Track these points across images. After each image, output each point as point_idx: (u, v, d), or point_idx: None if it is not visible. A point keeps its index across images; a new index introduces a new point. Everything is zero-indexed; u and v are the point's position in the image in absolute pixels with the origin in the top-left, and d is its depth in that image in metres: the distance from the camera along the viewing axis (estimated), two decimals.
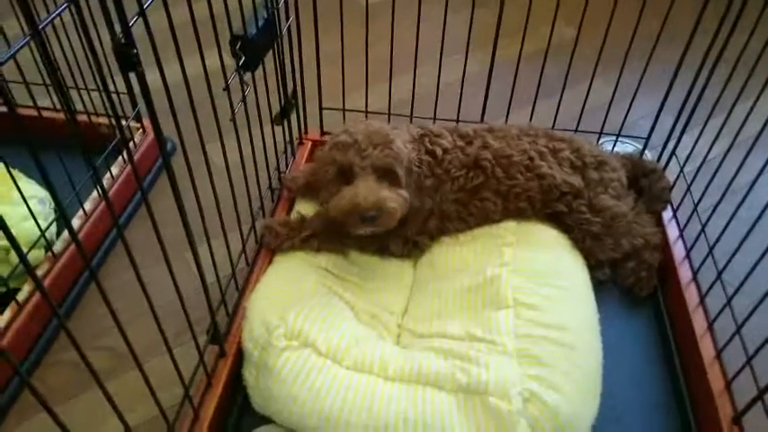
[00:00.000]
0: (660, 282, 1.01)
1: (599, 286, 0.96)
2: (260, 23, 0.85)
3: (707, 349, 0.86)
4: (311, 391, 0.75)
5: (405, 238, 0.98)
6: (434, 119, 1.17)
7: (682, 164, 1.07)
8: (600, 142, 1.21)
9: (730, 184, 0.90)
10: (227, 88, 0.75)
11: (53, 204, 1.06)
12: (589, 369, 0.79)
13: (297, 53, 1.05)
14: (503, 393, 0.72)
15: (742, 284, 0.80)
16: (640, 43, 1.01)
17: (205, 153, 0.71)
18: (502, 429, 0.70)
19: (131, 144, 1.20)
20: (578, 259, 0.97)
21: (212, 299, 0.76)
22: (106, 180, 1.11)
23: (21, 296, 0.91)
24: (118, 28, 0.49)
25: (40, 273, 0.95)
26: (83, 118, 1.15)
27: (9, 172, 0.95)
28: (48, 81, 1.00)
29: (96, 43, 0.62)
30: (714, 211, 0.93)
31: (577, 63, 1.08)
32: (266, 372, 0.78)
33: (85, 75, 1.08)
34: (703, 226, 0.96)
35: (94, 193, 1.08)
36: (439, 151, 0.96)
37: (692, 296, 0.94)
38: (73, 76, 1.09)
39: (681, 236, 1.04)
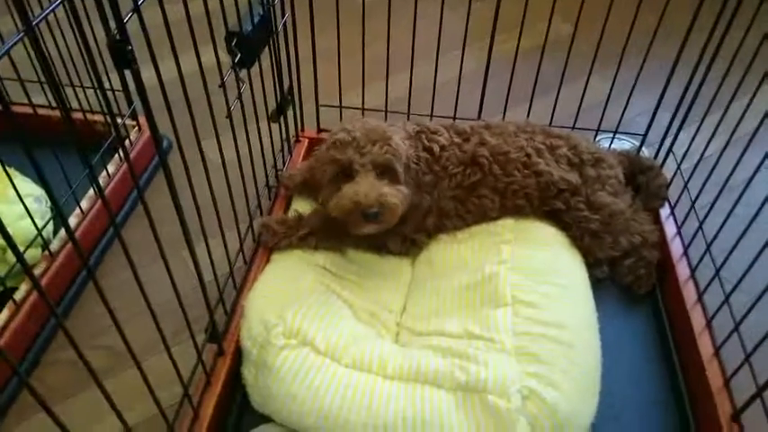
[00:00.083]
0: (658, 279, 1.01)
1: (597, 284, 0.97)
2: (255, 20, 0.84)
3: (705, 346, 0.86)
4: (310, 390, 0.75)
5: (403, 236, 0.97)
6: (431, 116, 1.17)
7: (679, 161, 1.07)
8: (597, 139, 1.21)
9: (727, 180, 0.90)
10: (222, 85, 0.75)
11: (49, 203, 1.05)
12: (588, 367, 0.79)
13: (293, 50, 1.05)
14: (502, 391, 0.72)
15: (740, 281, 0.80)
16: (637, 40, 1.01)
17: (201, 151, 0.71)
18: (501, 427, 0.70)
19: (127, 142, 1.19)
20: (577, 257, 0.97)
21: (210, 297, 0.76)
22: (102, 178, 1.11)
23: (18, 295, 0.91)
24: (112, 24, 0.49)
25: (37, 272, 0.95)
26: (78, 115, 1.14)
27: (5, 170, 0.94)
28: (42, 78, 0.99)
29: (91, 40, 0.62)
30: (711, 208, 0.93)
31: (574, 60, 1.07)
32: (265, 370, 0.78)
33: (80, 72, 1.08)
34: (701, 223, 0.96)
35: (91, 192, 1.08)
36: (436, 148, 0.95)
37: (690, 293, 0.94)
38: (68, 72, 1.08)
39: (678, 233, 1.04)
